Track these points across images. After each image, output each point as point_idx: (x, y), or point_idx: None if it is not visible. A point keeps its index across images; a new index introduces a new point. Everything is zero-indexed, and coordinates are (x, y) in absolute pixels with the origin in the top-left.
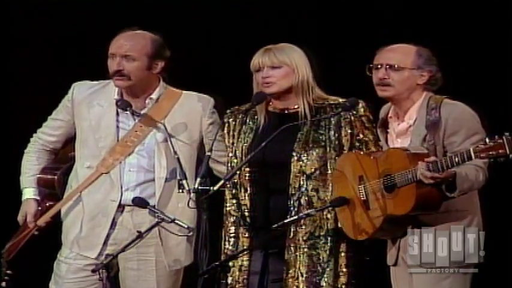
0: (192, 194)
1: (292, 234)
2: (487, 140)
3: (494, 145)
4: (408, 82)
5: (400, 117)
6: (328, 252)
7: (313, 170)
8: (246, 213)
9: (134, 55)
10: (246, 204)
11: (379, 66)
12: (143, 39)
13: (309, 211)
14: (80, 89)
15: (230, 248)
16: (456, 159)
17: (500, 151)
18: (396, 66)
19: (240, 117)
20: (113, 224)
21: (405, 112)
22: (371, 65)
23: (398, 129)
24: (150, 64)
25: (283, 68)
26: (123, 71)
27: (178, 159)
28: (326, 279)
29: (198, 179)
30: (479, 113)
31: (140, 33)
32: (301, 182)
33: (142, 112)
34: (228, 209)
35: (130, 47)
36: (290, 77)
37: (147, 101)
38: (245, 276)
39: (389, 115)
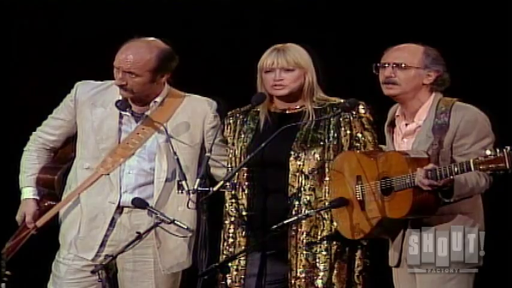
0: (191, 195)
1: (293, 233)
2: (488, 152)
3: (494, 158)
4: (414, 81)
5: (407, 117)
6: (324, 252)
7: (311, 169)
8: (244, 213)
9: (136, 72)
10: (243, 204)
11: (386, 65)
12: (149, 53)
13: (308, 212)
14: (83, 89)
15: (228, 248)
16: (455, 169)
17: (500, 165)
18: (403, 65)
19: (240, 117)
20: (112, 225)
21: (414, 112)
22: (378, 64)
23: (407, 130)
24: (153, 78)
25: (296, 70)
26: (126, 85)
27: (177, 160)
28: (322, 280)
29: (198, 180)
30: (489, 116)
31: (146, 46)
32: (300, 181)
33: (145, 114)
34: (227, 209)
35: (133, 63)
36: (301, 80)
37: (151, 104)
38: (242, 276)
39: (396, 114)
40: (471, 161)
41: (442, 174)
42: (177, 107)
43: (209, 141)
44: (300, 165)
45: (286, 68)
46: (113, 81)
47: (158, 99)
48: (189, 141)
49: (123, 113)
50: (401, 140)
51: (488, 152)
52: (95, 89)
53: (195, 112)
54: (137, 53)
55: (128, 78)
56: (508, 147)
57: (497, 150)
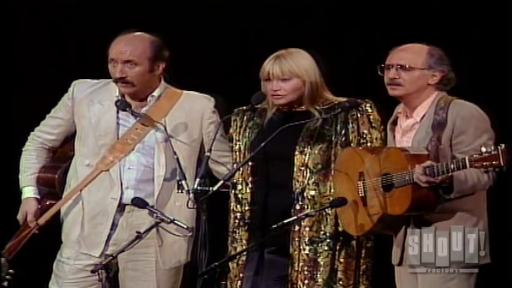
0: (191, 195)
1: (296, 228)
2: (483, 149)
3: (489, 156)
4: (419, 82)
5: (408, 115)
6: (326, 247)
7: (315, 163)
8: (247, 207)
9: (136, 60)
10: (246, 198)
11: (391, 66)
12: (142, 42)
13: (308, 211)
14: (80, 87)
15: (232, 243)
16: (452, 166)
17: (494, 162)
18: (407, 66)
19: (247, 114)
20: (113, 224)
21: (414, 109)
22: (383, 65)
23: (405, 125)
24: (151, 67)
25: (293, 79)
26: (126, 78)
27: (177, 159)
28: (322, 275)
29: (197, 179)
30: (489, 113)
31: (138, 36)
32: (304, 175)
33: (143, 110)
34: (231, 206)
35: (130, 52)
36: (300, 88)
37: (148, 99)
38: (242, 271)
39: (398, 111)
40: (466, 158)
41: (439, 171)
42: (174, 102)
43: (209, 137)
44: (304, 159)
45: (281, 78)
46: (110, 79)
47: (155, 94)
48: (187, 139)
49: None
50: (401, 138)
51: (483, 150)
52: (92, 87)
53: (193, 108)
54: (132, 43)
55: (127, 69)
56: (503, 145)
57: (493, 148)
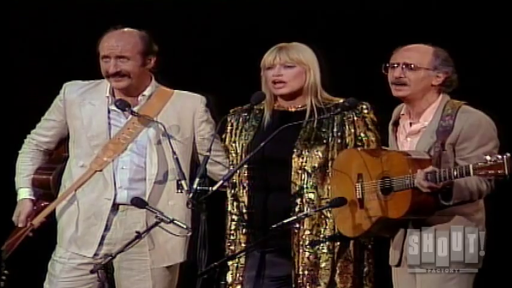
0: (190, 194)
1: (295, 231)
2: (488, 157)
3: (494, 164)
4: (423, 82)
5: (412, 117)
6: (326, 250)
7: (313, 167)
8: (244, 211)
9: (128, 55)
10: (244, 201)
11: (396, 65)
12: (132, 37)
13: (308, 211)
14: (71, 89)
15: (229, 246)
16: (455, 172)
17: (499, 171)
18: (413, 65)
19: (243, 115)
20: (108, 224)
21: (420, 113)
22: (387, 64)
23: (411, 129)
24: (143, 61)
25: (296, 67)
26: (120, 71)
27: (176, 159)
28: (324, 279)
29: (197, 179)
30: (496, 121)
31: (128, 31)
32: (302, 179)
33: (134, 109)
34: (228, 208)
35: (122, 47)
36: (302, 77)
37: (139, 98)
38: (241, 274)
39: (401, 113)
40: (471, 165)
41: (441, 177)
42: (166, 101)
43: (200, 135)
44: (302, 162)
45: (285, 64)
46: (101, 80)
47: (146, 93)
48: (179, 137)
49: (111, 108)
50: (405, 139)
51: (488, 158)
52: (83, 87)
53: (184, 107)
54: (123, 38)
55: (120, 64)
56: (508, 154)
57: (498, 157)
